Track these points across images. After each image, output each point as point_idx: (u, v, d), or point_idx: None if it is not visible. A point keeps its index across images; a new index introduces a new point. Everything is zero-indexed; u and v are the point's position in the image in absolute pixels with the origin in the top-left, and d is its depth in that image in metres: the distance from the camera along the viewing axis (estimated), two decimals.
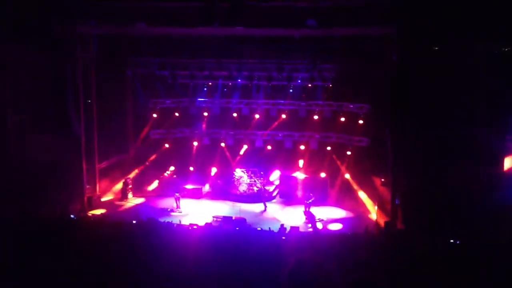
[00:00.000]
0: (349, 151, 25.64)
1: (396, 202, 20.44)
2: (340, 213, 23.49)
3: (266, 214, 23.10)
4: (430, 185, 19.13)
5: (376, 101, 23.35)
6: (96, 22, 20.96)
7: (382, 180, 22.67)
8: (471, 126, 18.89)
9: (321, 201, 24.26)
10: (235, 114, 27.23)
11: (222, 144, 27.83)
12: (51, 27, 20.37)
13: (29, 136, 21.75)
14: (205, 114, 27.60)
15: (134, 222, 18.81)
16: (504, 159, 19.29)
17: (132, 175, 26.51)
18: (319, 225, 21.57)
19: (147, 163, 27.54)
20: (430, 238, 15.56)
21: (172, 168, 27.57)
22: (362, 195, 24.74)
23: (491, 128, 18.86)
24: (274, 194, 26.29)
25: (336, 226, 21.37)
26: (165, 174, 27.14)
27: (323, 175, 26.02)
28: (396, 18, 18.94)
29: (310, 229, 21.02)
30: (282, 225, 19.71)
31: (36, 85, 21.96)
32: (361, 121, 24.73)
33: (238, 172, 26.47)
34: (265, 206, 23.81)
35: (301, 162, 26.74)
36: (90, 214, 21.46)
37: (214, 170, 27.67)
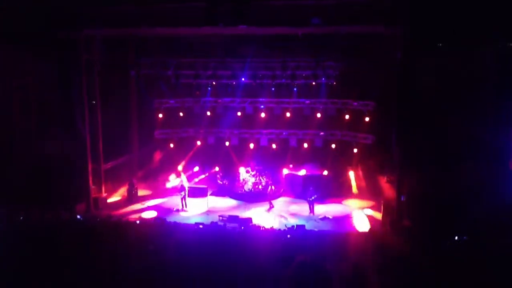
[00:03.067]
0: (355, 148, 25.67)
1: (402, 200, 20.42)
2: (345, 210, 23.47)
3: (272, 213, 23.10)
4: (436, 183, 19.11)
5: (381, 98, 23.36)
6: (100, 24, 20.93)
7: (388, 177, 22.67)
8: (477, 124, 18.86)
9: (326, 199, 24.26)
10: (239, 113, 27.26)
11: (227, 143, 27.89)
12: (56, 31, 20.43)
13: (36, 138, 21.93)
14: (208, 113, 27.64)
15: (137, 222, 18.88)
16: (511, 158, 19.24)
17: (138, 175, 26.59)
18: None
19: (152, 164, 27.70)
20: (436, 236, 15.57)
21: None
22: (367, 192, 24.76)
23: (498, 126, 18.83)
24: (280, 192, 26.32)
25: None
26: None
27: (325, 172, 26.07)
28: (401, 16, 18.87)
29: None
30: (287, 224, 19.73)
31: (42, 88, 22.14)
32: (367, 119, 24.73)
33: (243, 171, 26.49)
34: (271, 205, 23.82)
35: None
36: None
37: (218, 169, 27.73)
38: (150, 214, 22.61)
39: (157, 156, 28.01)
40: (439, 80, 19.25)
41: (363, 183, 25.25)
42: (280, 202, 25.15)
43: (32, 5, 19.72)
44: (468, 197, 18.15)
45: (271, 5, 19.99)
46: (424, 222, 18.26)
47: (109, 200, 24.56)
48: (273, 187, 25.34)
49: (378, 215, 21.94)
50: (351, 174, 25.73)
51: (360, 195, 24.98)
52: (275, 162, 27.43)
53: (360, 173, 25.53)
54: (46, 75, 21.60)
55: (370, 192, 24.66)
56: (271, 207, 23.71)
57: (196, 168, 27.99)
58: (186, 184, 25.40)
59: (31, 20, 19.74)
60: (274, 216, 22.58)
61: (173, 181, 26.94)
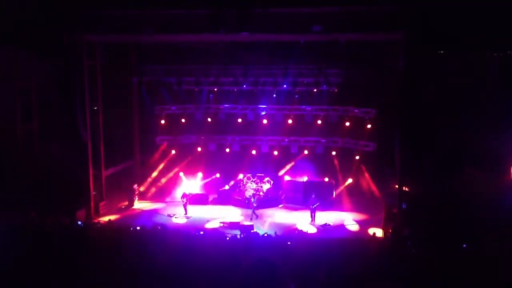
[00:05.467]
0: (356, 155, 25.70)
1: (403, 207, 20.37)
2: (346, 218, 23.42)
3: (273, 220, 23.04)
4: (437, 191, 19.08)
5: (383, 106, 23.39)
6: (103, 30, 20.99)
7: (389, 184, 22.63)
8: (479, 131, 18.86)
9: (327, 206, 24.22)
10: (239, 120, 27.28)
11: (227, 150, 27.91)
12: (58, 36, 20.50)
13: (38, 144, 21.92)
14: (209, 120, 27.68)
15: (138, 228, 18.86)
16: (511, 166, 19.22)
17: (138, 181, 26.57)
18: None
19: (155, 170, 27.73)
20: (436, 243, 15.52)
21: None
22: (368, 200, 24.71)
23: (500, 133, 18.83)
24: (281, 199, 26.26)
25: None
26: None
27: (326, 179, 26.06)
28: (402, 23, 18.91)
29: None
30: (286, 230, 19.67)
31: (43, 93, 22.16)
32: (369, 126, 24.78)
33: (244, 178, 26.46)
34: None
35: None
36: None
37: (219, 176, 27.72)
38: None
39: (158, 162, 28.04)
40: (441, 87, 19.27)
41: (363, 191, 25.25)
42: (281, 209, 25.11)
43: (35, 8, 19.76)
44: (469, 204, 18.11)
45: (273, 13, 20.05)
46: (425, 229, 18.22)
47: (110, 206, 24.50)
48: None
49: (380, 222, 21.91)
50: (349, 181, 25.79)
51: (360, 203, 24.95)
52: (277, 168, 27.44)
53: (361, 180, 25.53)
54: (48, 79, 21.62)
55: (370, 200, 24.64)
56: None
57: (200, 174, 27.96)
58: (188, 191, 25.39)
59: (34, 24, 19.79)
60: (276, 223, 22.52)
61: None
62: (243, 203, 25.45)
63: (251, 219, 22.92)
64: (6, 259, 13.05)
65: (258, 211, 23.85)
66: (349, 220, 23.11)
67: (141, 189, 26.48)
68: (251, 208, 23.65)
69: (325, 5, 19.62)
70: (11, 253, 13.34)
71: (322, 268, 13.39)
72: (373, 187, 24.82)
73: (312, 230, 21.51)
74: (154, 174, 27.70)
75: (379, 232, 20.82)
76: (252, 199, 23.88)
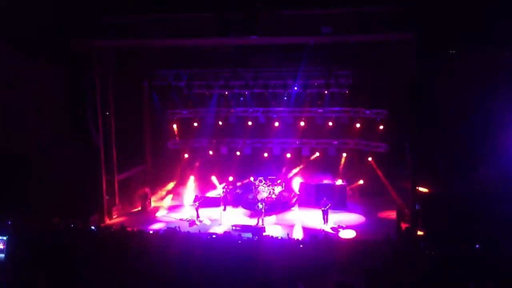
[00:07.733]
0: (368, 157, 25.63)
1: (416, 208, 20.25)
2: (359, 219, 23.33)
3: (285, 222, 22.99)
4: (450, 191, 18.95)
5: (394, 106, 23.29)
6: (112, 35, 21.11)
7: (402, 185, 22.51)
8: (492, 129, 18.71)
9: (339, 208, 24.12)
10: (250, 123, 27.28)
11: (238, 153, 27.94)
12: (69, 42, 20.67)
13: (51, 150, 22.07)
14: (220, 123, 27.74)
15: (151, 232, 18.93)
16: None
17: (150, 185, 26.69)
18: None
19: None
20: (450, 243, 15.41)
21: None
22: (381, 200, 24.59)
23: None
24: (293, 201, 26.21)
25: (349, 233, 21.01)
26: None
27: (339, 182, 25.97)
28: (412, 23, 18.82)
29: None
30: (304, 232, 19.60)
31: (55, 99, 22.32)
32: (381, 127, 24.71)
33: (256, 181, 26.44)
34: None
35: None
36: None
37: (232, 179, 27.74)
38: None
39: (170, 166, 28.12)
40: (451, 86, 19.15)
41: (376, 192, 25.16)
42: (293, 212, 25.05)
43: (45, 14, 19.93)
44: (483, 204, 17.95)
45: (282, 15, 20.06)
46: (439, 229, 18.09)
47: (123, 211, 24.61)
48: (286, 196, 25.03)
49: (393, 223, 21.75)
50: (360, 182, 25.73)
51: (373, 204, 24.83)
52: (288, 171, 27.42)
53: (373, 181, 25.46)
54: (59, 85, 21.79)
55: (382, 201, 24.53)
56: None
57: (214, 178, 28.01)
58: (200, 194, 25.41)
59: (44, 29, 19.96)
60: (288, 225, 22.47)
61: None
62: (253, 206, 25.40)
63: (257, 224, 22.55)
64: (17, 264, 13.21)
65: (270, 216, 23.82)
66: (363, 221, 23.01)
67: (153, 193, 26.55)
68: (258, 215, 23.01)
69: (335, 7, 19.59)
70: (22, 258, 13.49)
71: (334, 271, 13.36)
72: (386, 188, 24.67)
73: (327, 231, 21.47)
74: (166, 178, 27.76)
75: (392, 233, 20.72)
76: (260, 205, 23.06)
